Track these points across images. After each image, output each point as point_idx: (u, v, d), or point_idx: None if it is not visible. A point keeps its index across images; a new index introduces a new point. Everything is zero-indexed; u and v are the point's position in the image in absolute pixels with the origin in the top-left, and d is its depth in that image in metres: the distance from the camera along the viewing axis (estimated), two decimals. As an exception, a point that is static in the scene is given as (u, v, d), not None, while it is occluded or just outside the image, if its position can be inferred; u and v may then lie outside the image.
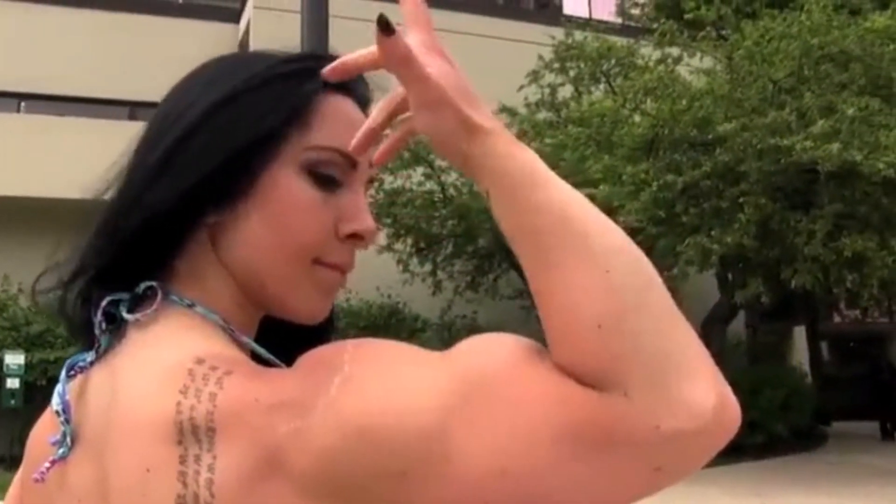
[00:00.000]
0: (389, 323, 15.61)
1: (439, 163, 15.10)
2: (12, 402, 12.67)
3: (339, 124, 0.89)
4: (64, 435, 0.84)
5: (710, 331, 15.62)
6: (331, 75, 0.82)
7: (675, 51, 14.57)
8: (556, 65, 15.73)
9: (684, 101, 12.71)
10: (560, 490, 0.68)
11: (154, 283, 0.85)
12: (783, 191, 12.83)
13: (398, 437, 0.68)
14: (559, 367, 0.69)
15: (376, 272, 15.09)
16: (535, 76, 15.68)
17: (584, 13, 19.37)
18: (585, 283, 0.69)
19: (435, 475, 0.67)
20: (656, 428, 0.66)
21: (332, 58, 0.87)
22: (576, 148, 13.54)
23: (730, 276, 15.25)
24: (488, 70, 16.77)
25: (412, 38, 0.77)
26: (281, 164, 0.86)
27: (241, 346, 0.85)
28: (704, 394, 0.67)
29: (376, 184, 14.86)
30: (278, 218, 0.85)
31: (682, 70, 14.17)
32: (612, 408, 0.66)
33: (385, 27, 0.74)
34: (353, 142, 0.84)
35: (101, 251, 0.87)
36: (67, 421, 0.84)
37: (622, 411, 0.66)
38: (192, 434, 0.73)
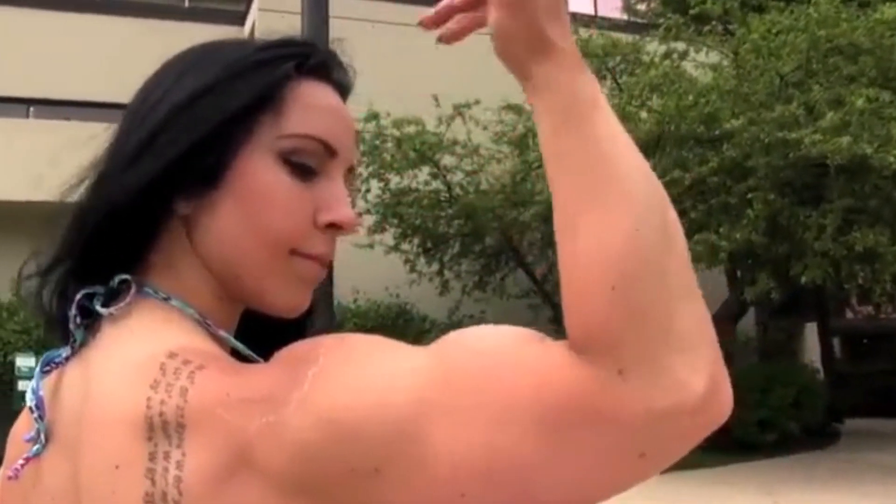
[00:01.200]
0: (397, 323, 15.55)
1: (445, 162, 15.09)
2: (24, 404, 12.63)
3: (314, 111, 0.87)
4: (38, 432, 0.83)
5: (720, 328, 15.46)
6: (429, 24, 0.84)
7: (680, 46, 14.51)
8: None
9: (690, 97, 12.62)
10: (540, 479, 0.65)
11: (128, 277, 0.84)
12: (792, 186, 12.74)
13: (371, 431, 0.66)
14: (561, 343, 0.67)
15: (384, 273, 15.11)
16: (541, 74, 15.61)
17: (589, 10, 19.30)
18: (614, 238, 0.67)
19: (410, 468, 0.65)
20: (646, 409, 0.63)
21: (308, 44, 0.89)
22: (582, 146, 13.42)
23: (739, 272, 15.17)
24: (494, 68, 16.84)
25: None
26: (254, 152, 0.84)
27: (218, 340, 0.84)
28: (699, 376, 0.65)
29: (382, 184, 14.88)
30: (251, 207, 0.83)
31: (688, 66, 14.12)
32: (603, 386, 0.64)
33: None
34: (427, 15, 0.84)
35: (73, 244, 0.86)
36: (41, 417, 0.83)
37: (613, 391, 0.63)
38: (163, 430, 0.72)
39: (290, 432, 0.67)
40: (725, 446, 13.52)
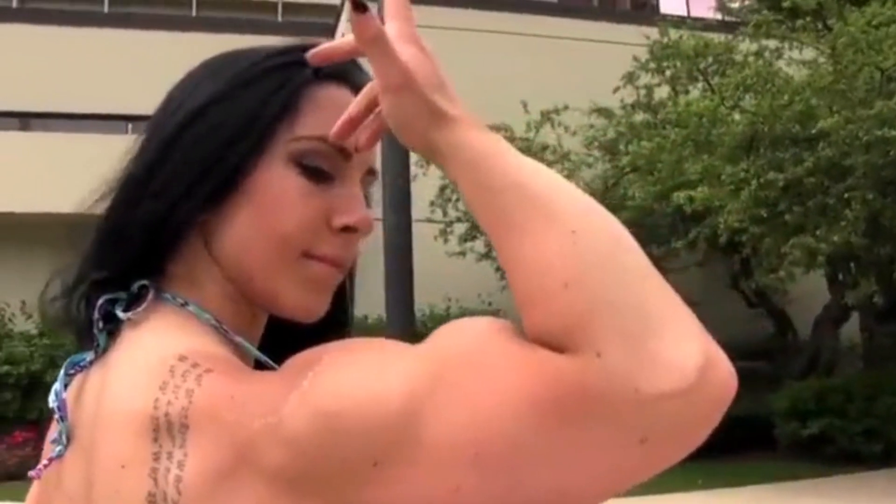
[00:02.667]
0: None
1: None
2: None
3: (327, 112, 0.88)
4: (60, 433, 0.85)
5: (821, 333, 15.11)
6: (314, 60, 0.86)
7: (772, 43, 14.16)
8: (653, 65, 15.48)
9: (785, 96, 12.29)
10: (539, 470, 0.65)
11: (147, 282, 0.86)
12: (893, 185, 12.24)
13: (367, 424, 0.66)
14: (533, 339, 0.67)
15: (476, 280, 15.12)
16: (630, 77, 15.45)
17: (681, 11, 19.03)
18: (552, 246, 0.68)
19: (406, 461, 0.66)
20: (634, 390, 0.62)
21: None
22: (673, 149, 13.23)
23: (840, 275, 14.69)
24: (582, 73, 16.83)
25: (389, 27, 0.79)
26: (268, 158, 0.86)
27: (235, 346, 0.85)
28: (686, 352, 0.64)
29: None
30: (262, 210, 0.85)
31: (782, 64, 13.77)
32: (584, 371, 0.63)
33: (357, 6, 0.75)
34: (333, 129, 0.86)
35: (102, 259, 0.88)
36: (62, 419, 0.85)
37: (595, 373, 0.63)
38: (167, 431, 0.73)
39: (287, 428, 0.69)
40: (829, 457, 13.11)
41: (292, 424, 0.69)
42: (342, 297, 0.99)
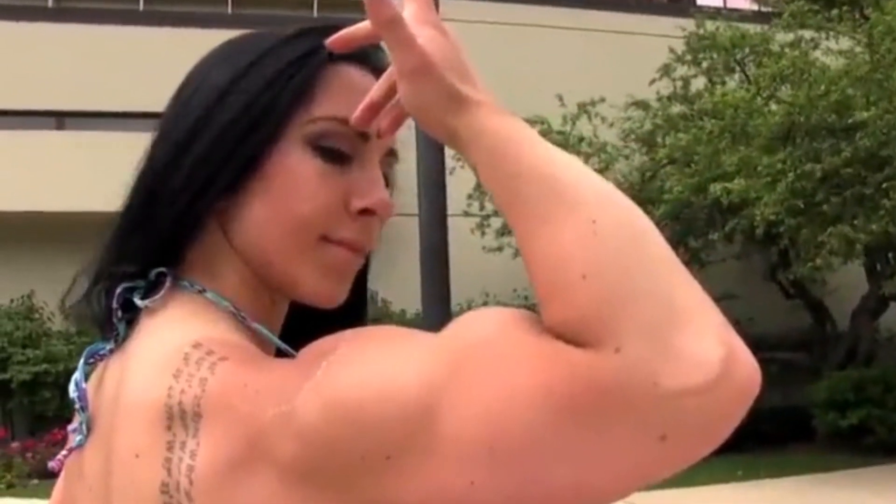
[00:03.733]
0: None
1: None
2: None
3: (344, 93, 0.86)
4: (80, 423, 0.84)
5: (859, 324, 14.98)
6: (332, 46, 0.84)
7: (808, 33, 14.04)
8: (689, 57, 15.37)
9: (822, 87, 12.17)
10: (554, 466, 0.62)
11: (164, 270, 0.85)
12: (933, 175, 12.12)
13: (380, 416, 0.65)
14: (553, 334, 0.64)
15: (512, 274, 15.08)
16: (666, 69, 15.37)
17: (717, 2, 18.88)
18: (571, 235, 0.66)
19: (420, 455, 0.64)
20: (654, 385, 0.60)
21: (339, 28, 0.86)
22: (710, 141, 13.17)
23: (878, 266, 14.57)
24: (618, 65, 16.76)
25: (406, 9, 0.77)
26: (285, 142, 0.84)
27: (254, 333, 0.84)
28: (708, 346, 0.61)
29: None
30: (279, 194, 0.84)
31: (818, 54, 13.64)
32: (603, 365, 0.61)
33: None
34: (355, 115, 0.84)
35: (122, 252, 0.88)
36: (83, 408, 0.85)
37: (614, 367, 0.60)
38: (181, 419, 0.72)
39: (300, 419, 0.67)
40: (867, 447, 13.02)
41: (305, 416, 0.67)
42: (362, 284, 0.97)
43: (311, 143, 0.85)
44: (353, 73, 0.88)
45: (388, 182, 0.92)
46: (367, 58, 0.90)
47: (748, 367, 0.63)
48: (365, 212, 0.86)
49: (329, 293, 0.87)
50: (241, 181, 0.84)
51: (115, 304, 0.85)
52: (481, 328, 0.67)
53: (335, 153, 0.85)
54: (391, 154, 0.92)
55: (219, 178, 0.83)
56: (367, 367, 0.68)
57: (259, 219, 0.84)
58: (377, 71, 0.89)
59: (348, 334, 0.73)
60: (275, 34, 0.90)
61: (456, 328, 0.69)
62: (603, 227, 0.66)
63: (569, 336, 0.63)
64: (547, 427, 0.61)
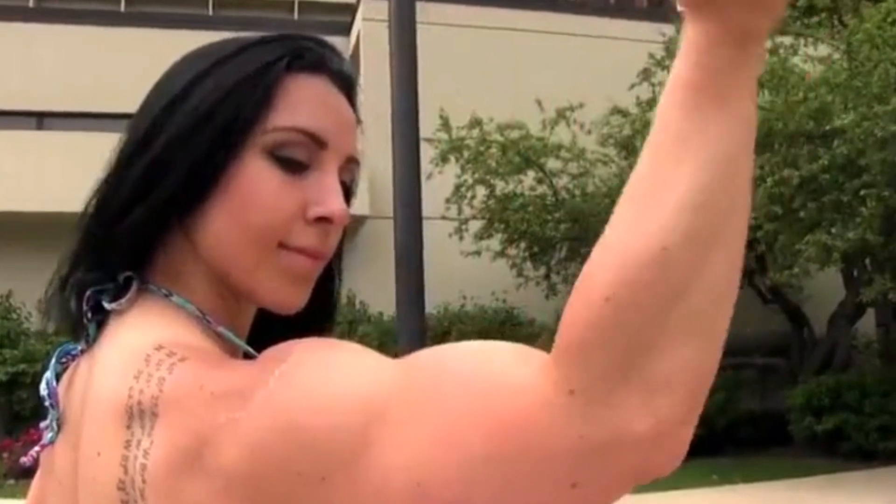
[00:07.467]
0: (504, 328, 15.50)
1: (550, 166, 15.02)
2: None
3: (304, 104, 0.87)
4: (51, 420, 0.87)
5: (836, 330, 15.06)
6: None
7: (787, 40, 14.12)
8: (669, 62, 15.34)
9: (800, 93, 12.25)
10: (477, 496, 0.63)
11: (131, 274, 0.86)
12: (909, 182, 12.20)
13: (321, 438, 0.66)
14: (545, 361, 0.63)
15: (491, 278, 15.13)
16: (646, 74, 15.43)
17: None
18: (638, 244, 0.61)
19: (356, 481, 0.65)
20: (580, 438, 0.60)
21: (303, 38, 0.89)
22: (688, 146, 13.17)
23: (855, 272, 14.66)
24: (597, 71, 16.82)
25: None
26: (243, 152, 0.85)
27: (219, 337, 0.85)
28: (647, 417, 0.59)
29: (487, 189, 14.89)
30: (237, 203, 0.85)
31: (797, 60, 13.72)
32: (546, 408, 0.60)
33: None
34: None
35: (90, 258, 0.89)
36: (53, 406, 0.87)
37: (555, 412, 0.60)
38: (139, 419, 0.74)
39: (246, 429, 0.68)
40: (843, 453, 13.11)
41: (251, 426, 0.68)
42: (329, 289, 0.99)
43: (268, 152, 0.85)
44: (313, 82, 0.89)
45: (350, 188, 0.93)
46: (324, 65, 0.90)
47: (673, 451, 0.62)
48: (321, 220, 0.87)
49: (288, 299, 0.88)
50: (196, 191, 0.85)
51: (85, 307, 0.87)
52: (447, 361, 0.67)
53: (291, 162, 0.86)
54: (351, 161, 0.92)
55: (180, 193, 0.85)
56: (316, 388, 0.68)
57: (219, 227, 0.85)
58: (335, 76, 0.91)
59: (304, 343, 0.74)
60: (233, 43, 0.90)
61: (417, 358, 0.69)
62: (672, 263, 0.60)
63: (559, 345, 0.63)
64: (471, 468, 0.62)
